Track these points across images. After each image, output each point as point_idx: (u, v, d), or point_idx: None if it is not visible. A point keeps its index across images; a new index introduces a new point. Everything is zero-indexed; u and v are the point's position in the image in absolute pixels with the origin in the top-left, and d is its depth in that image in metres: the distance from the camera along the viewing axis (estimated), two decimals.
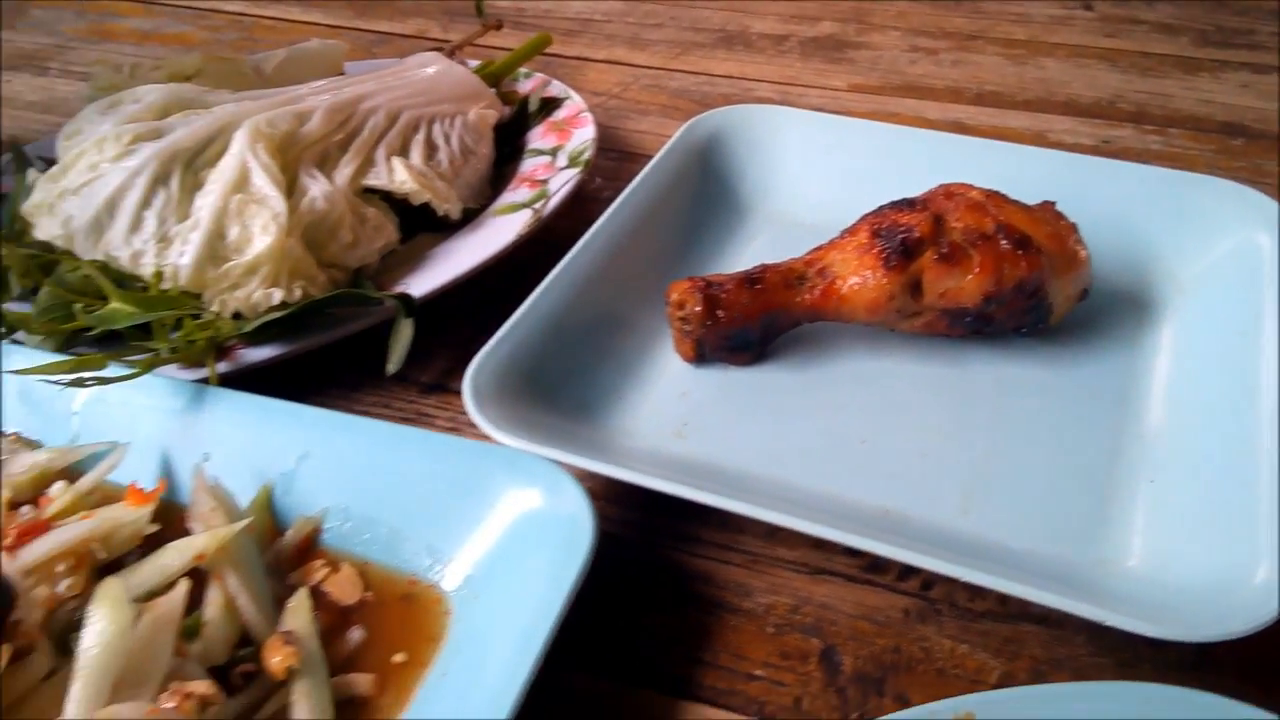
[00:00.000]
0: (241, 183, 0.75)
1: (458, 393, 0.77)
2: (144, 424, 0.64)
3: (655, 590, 0.63)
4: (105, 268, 0.72)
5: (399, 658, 0.56)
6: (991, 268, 0.73)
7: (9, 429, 0.66)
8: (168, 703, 0.47)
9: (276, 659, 0.52)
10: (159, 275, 0.69)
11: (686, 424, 0.73)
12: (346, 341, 0.76)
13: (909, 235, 0.74)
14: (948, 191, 0.78)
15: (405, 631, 0.57)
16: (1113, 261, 0.81)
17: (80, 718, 0.46)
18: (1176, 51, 1.23)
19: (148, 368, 0.64)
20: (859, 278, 0.75)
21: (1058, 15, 1.31)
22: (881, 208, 0.78)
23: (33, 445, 0.65)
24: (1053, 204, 0.78)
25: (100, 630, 0.48)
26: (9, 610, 0.49)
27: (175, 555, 0.55)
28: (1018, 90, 1.15)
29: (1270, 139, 1.06)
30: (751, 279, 0.76)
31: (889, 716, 0.50)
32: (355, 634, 0.57)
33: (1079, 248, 0.76)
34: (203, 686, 0.49)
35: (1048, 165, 0.88)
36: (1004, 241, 0.73)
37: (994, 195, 0.77)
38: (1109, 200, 0.84)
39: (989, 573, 0.55)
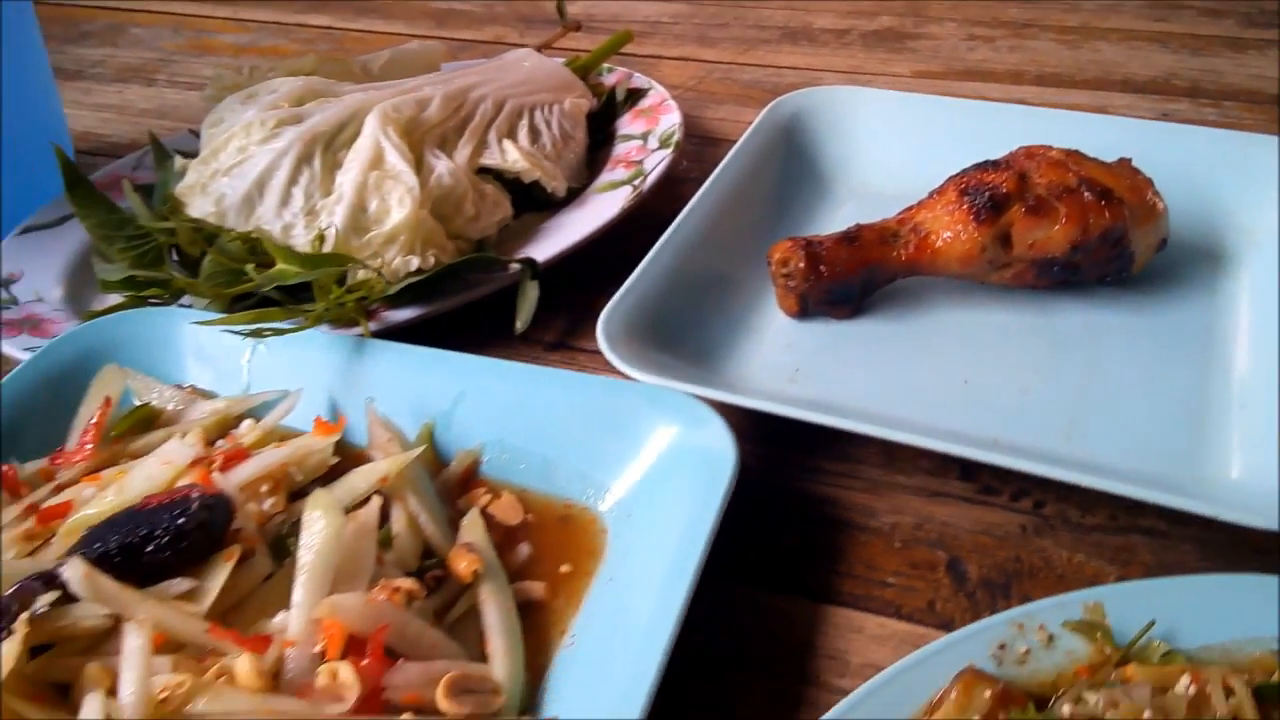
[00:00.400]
0: (377, 160, 0.81)
1: (580, 350, 0.83)
2: (309, 375, 0.70)
3: (787, 514, 0.67)
4: (257, 239, 0.77)
5: (565, 568, 0.61)
6: (1077, 218, 0.77)
7: (186, 384, 0.71)
8: (379, 595, 0.52)
9: (463, 564, 0.57)
10: (320, 237, 0.75)
11: (798, 370, 0.78)
12: (474, 306, 0.81)
13: (996, 191, 0.79)
14: (1028, 152, 0.83)
15: (567, 547, 0.62)
16: (1187, 218, 0.85)
17: (307, 605, 0.51)
18: (1223, 32, 1.28)
19: (315, 320, 0.70)
20: (950, 232, 0.79)
21: (1107, 3, 1.36)
22: (966, 169, 0.82)
23: (209, 396, 0.70)
24: (1129, 160, 0.82)
25: (318, 530, 0.53)
26: (230, 520, 0.54)
27: (362, 479, 0.60)
28: (1075, 71, 1.20)
29: None
30: (849, 237, 0.81)
31: (1025, 606, 0.55)
32: (523, 549, 0.62)
33: (1156, 199, 0.80)
34: (407, 583, 0.54)
35: (1117, 132, 0.92)
36: (1087, 193, 0.78)
37: (1073, 153, 0.82)
38: (1179, 162, 0.88)
39: (1102, 478, 0.60)
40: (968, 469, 0.69)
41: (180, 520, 0.51)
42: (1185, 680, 0.49)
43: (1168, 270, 0.83)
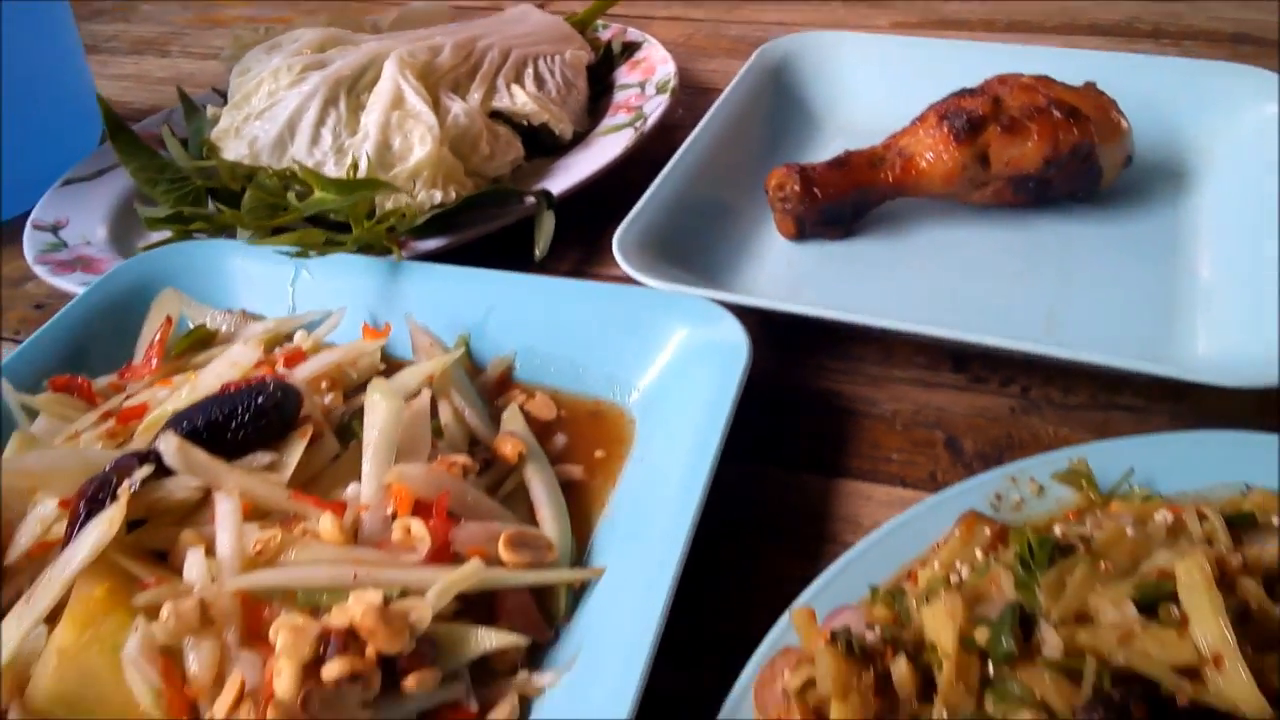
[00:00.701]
0: (398, 101, 0.85)
1: (595, 276, 0.88)
2: (350, 296, 0.74)
3: (797, 406, 0.73)
4: (293, 176, 0.82)
5: (599, 454, 0.66)
6: (1048, 135, 0.83)
7: (236, 308, 0.76)
8: (438, 468, 0.57)
9: (508, 447, 0.62)
10: (354, 165, 0.79)
11: (797, 286, 0.83)
12: (493, 241, 0.85)
13: (973, 114, 0.84)
14: (1001, 79, 0.88)
15: (599, 436, 0.67)
16: (1150, 140, 0.90)
17: (377, 473, 0.55)
18: None
19: (354, 242, 0.74)
20: (933, 154, 0.84)
21: None
22: (944, 97, 0.87)
23: (259, 319, 0.75)
24: (1094, 84, 0.88)
25: (381, 411, 0.57)
26: (299, 407, 0.59)
27: (411, 376, 0.64)
28: (1044, 19, 1.25)
29: (1273, 44, 1.16)
30: (840, 162, 0.86)
31: (1017, 463, 0.60)
32: (559, 439, 0.67)
33: (1120, 118, 0.86)
34: (462, 458, 0.58)
35: (1082, 63, 0.97)
36: (1056, 112, 0.83)
37: (1042, 78, 0.87)
38: (1141, 89, 0.93)
39: (1084, 352, 0.65)
40: (959, 361, 0.75)
41: (260, 400, 0.55)
42: (1164, 513, 0.54)
43: (1133, 187, 0.89)
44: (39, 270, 0.82)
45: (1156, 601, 0.48)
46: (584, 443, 0.67)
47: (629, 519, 0.60)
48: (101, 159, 0.96)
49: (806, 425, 0.71)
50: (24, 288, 0.89)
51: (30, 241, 0.86)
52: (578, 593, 0.56)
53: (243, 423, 0.55)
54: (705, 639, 0.56)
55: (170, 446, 0.53)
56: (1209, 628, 0.45)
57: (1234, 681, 0.43)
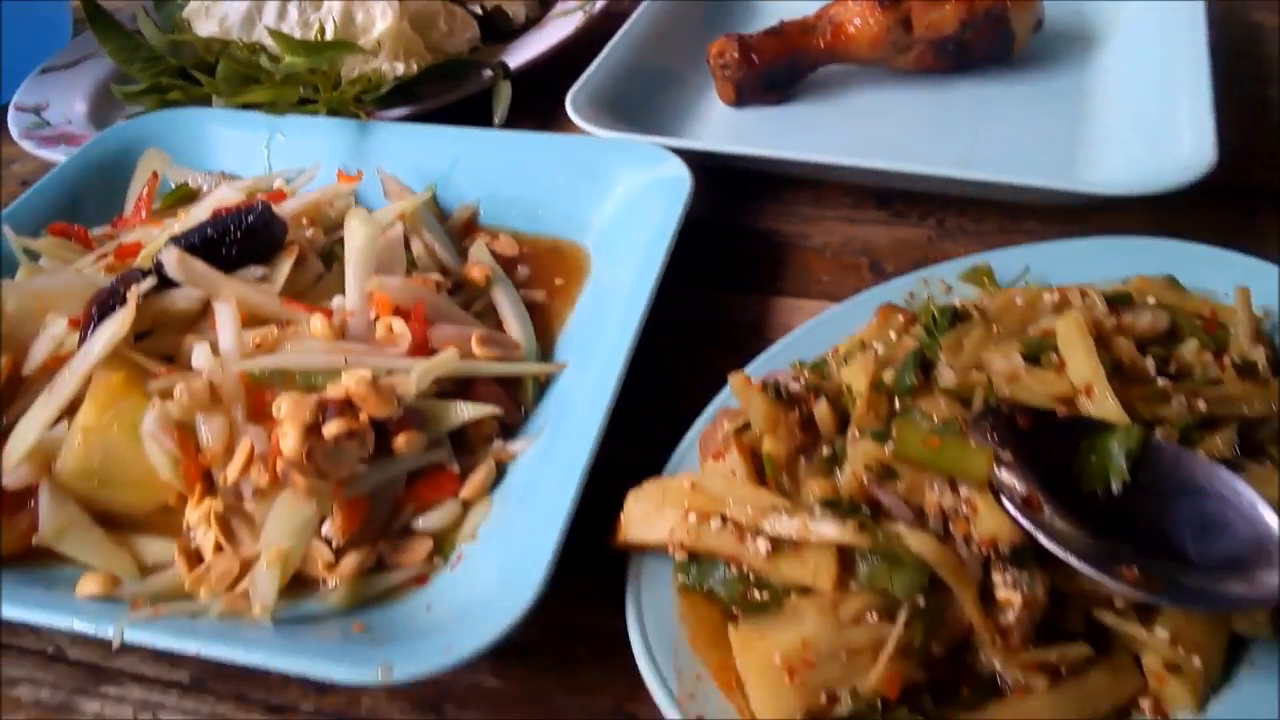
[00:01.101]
0: None
1: None
2: (323, 154, 0.78)
3: (736, 243, 0.79)
4: (263, 49, 0.85)
5: (559, 282, 0.72)
6: None
7: (215, 170, 0.80)
8: (414, 281, 0.63)
9: (476, 272, 0.68)
10: (321, 30, 0.83)
11: (737, 142, 0.88)
12: (454, 114, 0.89)
13: None
14: None
15: (559, 268, 0.73)
16: (1060, 8, 0.97)
17: (359, 283, 0.61)
18: None
19: (324, 104, 0.79)
20: (860, 20, 0.90)
21: None
22: None
23: (237, 178, 0.79)
24: None
25: (359, 233, 0.63)
26: (285, 232, 0.64)
27: (385, 213, 0.69)
28: None
29: None
30: (775, 30, 0.92)
31: (926, 269, 0.66)
32: (522, 270, 0.73)
33: None
34: (434, 275, 0.64)
35: None
36: None
37: None
38: None
39: (991, 177, 0.72)
40: (882, 199, 0.81)
41: (250, 218, 0.61)
42: (1052, 293, 0.61)
43: (1044, 51, 0.95)
44: (25, 145, 0.85)
45: (1040, 354, 0.55)
46: (545, 273, 0.73)
47: (586, 328, 0.66)
48: (78, 49, 0.99)
49: (745, 257, 0.77)
50: (10, 168, 0.93)
51: (14, 121, 0.89)
52: (542, 386, 0.62)
53: (235, 239, 0.60)
54: (655, 420, 0.62)
55: (171, 258, 0.58)
56: (1082, 364, 0.52)
57: (1103, 404, 0.50)
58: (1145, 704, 0.44)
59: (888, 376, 0.52)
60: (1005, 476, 0.47)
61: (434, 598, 0.52)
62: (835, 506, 0.46)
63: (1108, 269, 0.64)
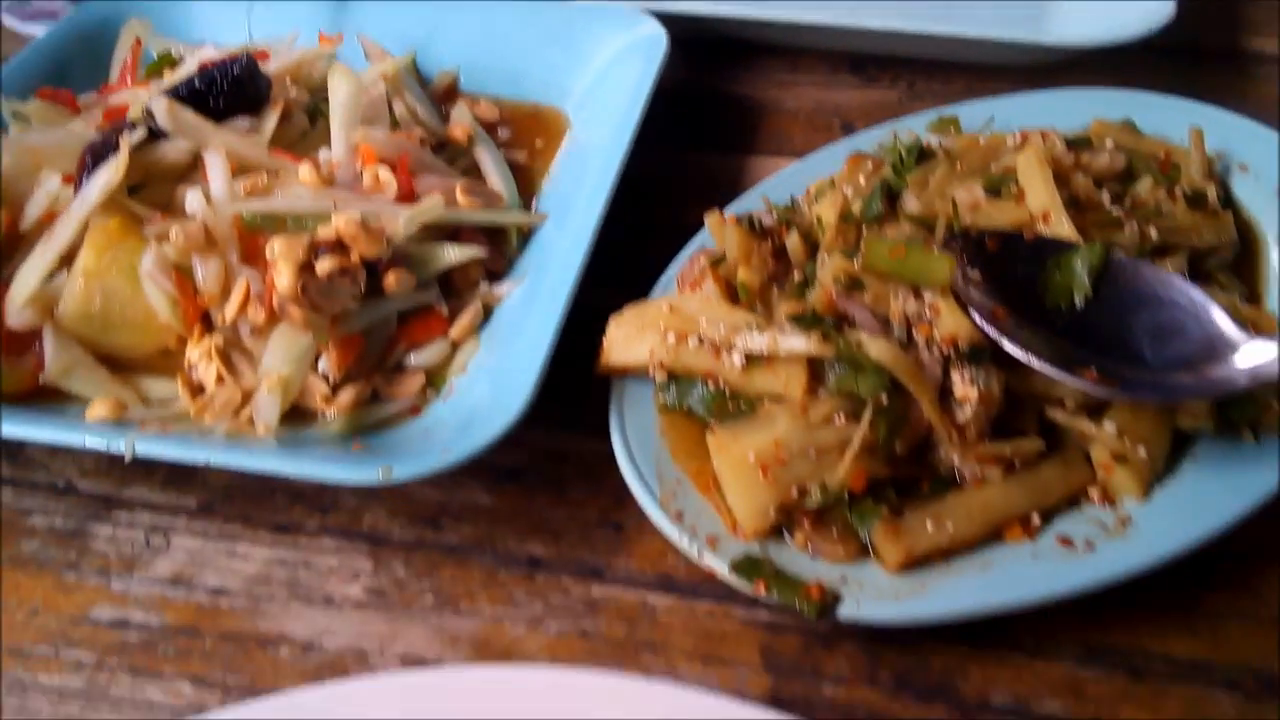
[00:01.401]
0: None
1: None
2: (302, 23, 0.78)
3: (712, 107, 0.80)
4: None
5: (539, 143, 0.73)
6: None
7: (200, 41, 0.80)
8: (399, 135, 0.63)
9: (459, 131, 0.68)
10: None
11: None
12: None
13: None
14: None
15: (539, 130, 0.74)
16: None
17: (345, 134, 0.61)
18: None
19: None
20: None
21: None
22: None
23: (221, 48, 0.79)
24: None
25: (343, 88, 0.63)
26: (270, 87, 0.64)
27: (368, 75, 0.70)
28: None
29: None
30: None
31: (898, 120, 0.68)
32: (503, 132, 0.73)
33: None
34: (419, 131, 0.65)
35: None
36: None
37: None
38: None
39: (961, 32, 0.73)
40: (855, 64, 0.82)
41: (236, 70, 0.61)
42: (1014, 136, 0.62)
43: None
44: (9, 20, 0.85)
45: (1000, 188, 0.56)
46: (526, 136, 0.74)
47: (565, 183, 0.67)
48: None
49: (721, 121, 0.78)
50: None
51: None
52: (525, 237, 0.64)
53: (222, 90, 0.60)
54: (634, 269, 0.63)
55: (161, 108, 0.59)
56: (1039, 192, 0.54)
57: (1059, 229, 0.52)
58: (1094, 493, 0.47)
59: (856, 208, 0.54)
60: (974, 294, 0.49)
61: (429, 424, 0.54)
62: (801, 320, 0.49)
63: (1070, 120, 0.66)
